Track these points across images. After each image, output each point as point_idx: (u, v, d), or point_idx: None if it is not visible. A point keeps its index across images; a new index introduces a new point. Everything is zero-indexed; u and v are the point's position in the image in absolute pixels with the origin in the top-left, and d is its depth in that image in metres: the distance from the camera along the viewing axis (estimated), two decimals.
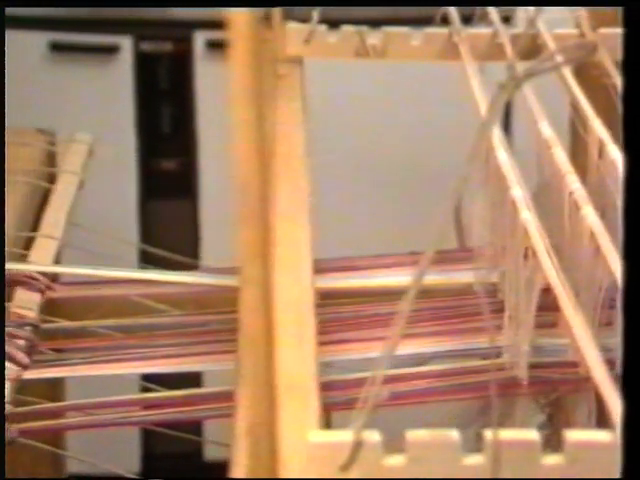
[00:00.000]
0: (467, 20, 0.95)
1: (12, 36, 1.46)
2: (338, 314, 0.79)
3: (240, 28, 0.44)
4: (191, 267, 1.05)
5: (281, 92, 0.92)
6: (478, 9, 0.94)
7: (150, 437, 1.49)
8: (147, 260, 1.13)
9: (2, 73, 0.66)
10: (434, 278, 0.61)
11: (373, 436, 0.45)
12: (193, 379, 0.94)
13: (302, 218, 0.75)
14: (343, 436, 0.45)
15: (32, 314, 0.83)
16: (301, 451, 0.50)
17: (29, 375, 0.75)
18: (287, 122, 0.85)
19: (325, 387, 0.70)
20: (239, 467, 0.50)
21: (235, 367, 0.64)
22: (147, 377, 0.86)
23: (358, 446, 0.45)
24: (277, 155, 0.79)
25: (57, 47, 1.44)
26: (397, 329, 0.44)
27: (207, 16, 1.40)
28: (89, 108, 1.47)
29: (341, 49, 0.96)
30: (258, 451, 0.45)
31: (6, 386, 0.73)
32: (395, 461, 0.45)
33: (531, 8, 0.90)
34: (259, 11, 0.45)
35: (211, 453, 1.46)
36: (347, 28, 0.97)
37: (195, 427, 1.26)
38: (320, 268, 0.86)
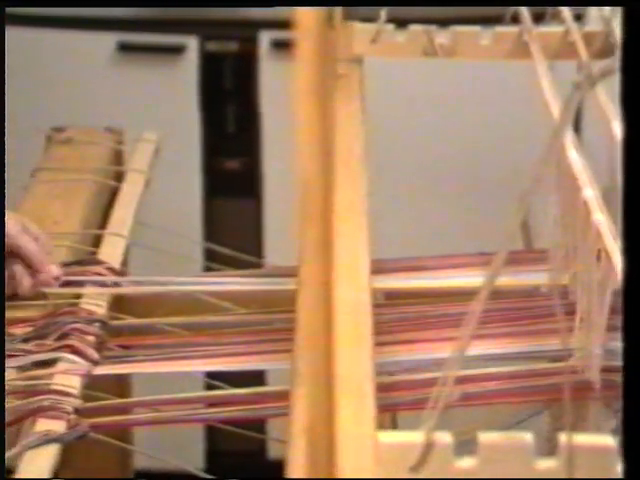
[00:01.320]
0: (538, 18, 0.94)
1: (81, 37, 1.48)
2: (405, 314, 0.79)
3: (306, 27, 0.44)
4: (255, 265, 1.05)
5: (340, 92, 0.91)
6: (550, 7, 0.92)
7: (214, 434, 1.50)
8: (212, 258, 1.14)
9: (2, 74, 0.67)
10: (504, 279, 0.60)
11: (444, 437, 0.45)
12: (256, 377, 0.94)
13: (360, 219, 0.75)
14: (413, 437, 0.45)
15: (101, 311, 0.84)
16: (359, 451, 0.49)
17: (99, 371, 0.76)
18: (346, 122, 0.85)
19: (391, 387, 0.69)
20: (297, 466, 0.50)
21: (292, 366, 0.64)
22: (211, 374, 0.86)
23: (429, 447, 0.44)
24: (336, 155, 0.79)
25: (125, 47, 1.46)
26: (468, 330, 0.44)
27: (273, 16, 1.41)
28: (155, 107, 1.48)
29: (408, 48, 0.95)
30: (316, 450, 0.45)
31: (76, 381, 0.74)
32: (466, 463, 0.45)
33: (606, 8, 0.89)
34: (325, 10, 0.45)
35: (274, 451, 1.46)
36: (415, 27, 0.96)
37: (259, 425, 1.27)
38: (387, 268, 0.86)
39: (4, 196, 0.71)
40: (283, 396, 0.71)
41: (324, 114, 0.44)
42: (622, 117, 0.47)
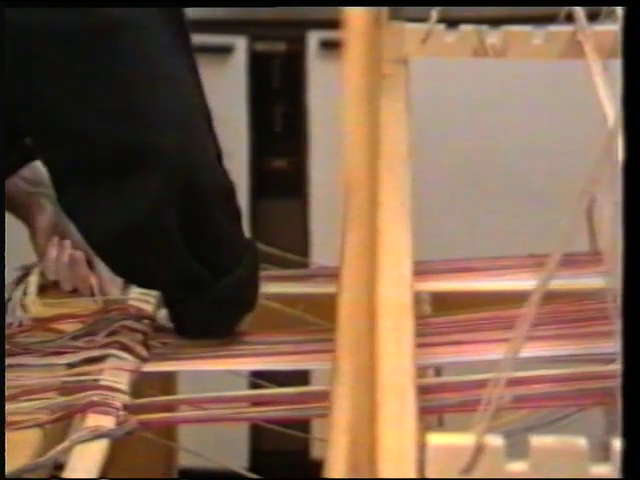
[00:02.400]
0: (592, 17, 0.93)
1: None
2: (453, 316, 0.78)
3: (356, 28, 0.44)
4: (301, 265, 1.05)
5: (385, 92, 0.91)
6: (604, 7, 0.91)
7: (258, 434, 1.50)
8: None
9: (2, 75, 0.68)
10: (558, 282, 0.59)
11: (495, 440, 0.44)
12: (301, 377, 0.94)
13: (404, 220, 0.74)
14: (464, 439, 0.45)
15: (149, 308, 0.84)
16: (400, 452, 0.49)
17: (147, 368, 0.77)
18: (391, 123, 0.85)
19: (437, 389, 0.69)
20: (337, 467, 0.50)
21: (334, 366, 0.64)
22: (256, 373, 0.87)
23: (480, 450, 0.44)
24: (381, 156, 0.78)
25: None
26: (520, 332, 0.44)
27: (321, 15, 1.41)
28: None
29: (459, 48, 0.94)
30: (357, 451, 0.45)
31: (125, 377, 0.74)
32: (518, 467, 0.44)
33: None
34: (374, 11, 0.45)
35: (318, 451, 1.46)
36: (465, 27, 0.96)
37: (303, 425, 1.27)
38: (435, 270, 0.85)
39: (4, 197, 0.72)
40: (326, 396, 0.71)
41: (372, 114, 0.44)
42: (622, 117, 0.46)
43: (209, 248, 0.75)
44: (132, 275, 0.78)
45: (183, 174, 0.71)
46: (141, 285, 0.80)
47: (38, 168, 0.86)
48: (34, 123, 0.72)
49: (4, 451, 0.64)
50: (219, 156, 0.77)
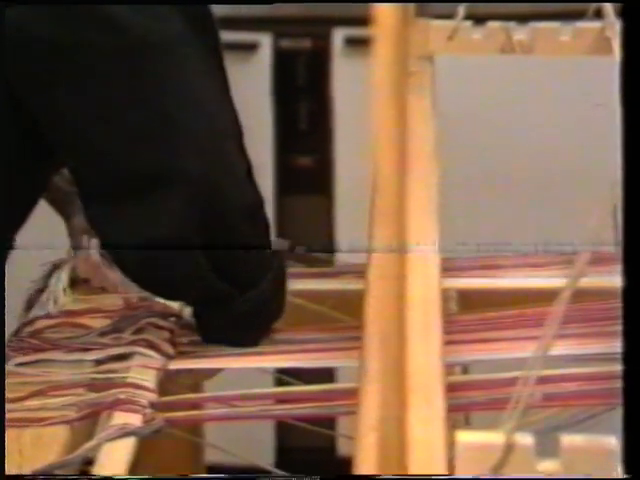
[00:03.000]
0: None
1: None
2: (480, 313, 0.78)
3: (385, 24, 0.44)
4: (326, 262, 1.05)
5: (411, 89, 0.91)
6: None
7: (284, 430, 1.51)
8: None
9: (2, 75, 0.69)
10: (586, 280, 0.59)
11: (525, 438, 0.44)
12: (327, 374, 0.94)
13: (430, 217, 0.74)
14: (493, 437, 0.45)
15: (176, 305, 0.84)
16: (428, 449, 0.49)
17: (173, 366, 0.77)
18: (416, 120, 0.85)
19: (464, 386, 0.69)
20: (366, 463, 0.50)
21: (361, 364, 0.64)
22: (282, 370, 0.87)
23: (510, 448, 0.44)
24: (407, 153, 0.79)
25: None
26: (550, 329, 0.43)
27: (346, 13, 1.41)
28: None
29: (486, 45, 0.94)
30: (386, 448, 0.45)
31: (152, 375, 0.74)
32: (548, 466, 0.44)
33: None
34: (403, 7, 0.45)
35: (344, 448, 1.46)
36: (493, 24, 0.95)
37: (329, 422, 1.27)
38: (461, 267, 0.85)
39: (4, 197, 0.73)
40: (353, 394, 0.71)
41: (400, 112, 0.44)
42: (623, 117, 0.46)
43: (234, 264, 0.76)
44: (155, 290, 0.79)
45: (205, 197, 0.72)
46: (165, 299, 0.81)
47: None
48: (61, 139, 0.73)
49: (4, 450, 0.64)
50: (249, 171, 0.77)
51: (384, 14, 0.44)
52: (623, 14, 0.48)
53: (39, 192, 0.80)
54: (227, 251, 0.75)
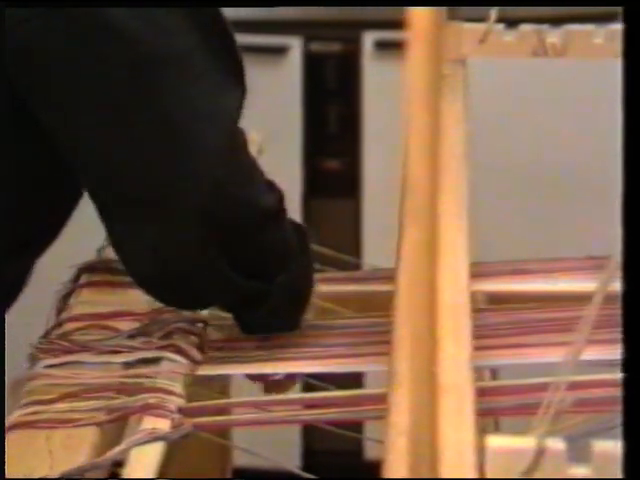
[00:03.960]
0: None
1: None
2: (510, 318, 0.78)
3: (419, 27, 0.44)
4: (353, 265, 1.05)
5: (443, 92, 0.91)
6: None
7: (311, 434, 1.51)
8: None
9: (2, 76, 0.69)
10: (617, 284, 0.59)
11: (557, 443, 0.44)
12: (354, 378, 0.94)
13: (461, 220, 0.74)
14: (524, 442, 0.44)
15: (204, 310, 0.84)
16: (459, 454, 0.49)
17: (201, 371, 0.77)
18: (449, 123, 0.85)
19: (494, 391, 0.68)
20: (396, 468, 0.49)
21: (390, 368, 0.64)
22: (309, 374, 0.87)
23: (541, 453, 0.44)
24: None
25: None
26: (581, 335, 0.43)
27: (376, 16, 1.40)
28: (258, 107, 1.49)
29: (518, 48, 0.94)
30: (417, 453, 0.45)
31: (179, 380, 0.75)
32: (579, 471, 0.44)
33: None
34: (437, 11, 0.45)
35: (372, 452, 1.46)
36: (525, 27, 0.95)
37: (356, 425, 1.27)
38: (491, 271, 0.84)
39: (4, 198, 0.73)
40: (382, 399, 0.71)
41: (433, 116, 0.44)
42: (623, 117, 0.45)
43: (258, 264, 0.76)
44: (180, 304, 0.79)
45: (221, 211, 0.72)
46: (193, 309, 0.81)
47: None
48: (76, 155, 0.73)
49: (4, 447, 0.65)
50: (261, 176, 0.77)
51: (418, 17, 0.44)
52: (624, 21, 0.48)
53: (73, 204, 0.80)
54: (250, 257, 0.75)
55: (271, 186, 0.78)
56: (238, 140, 0.74)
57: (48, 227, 0.80)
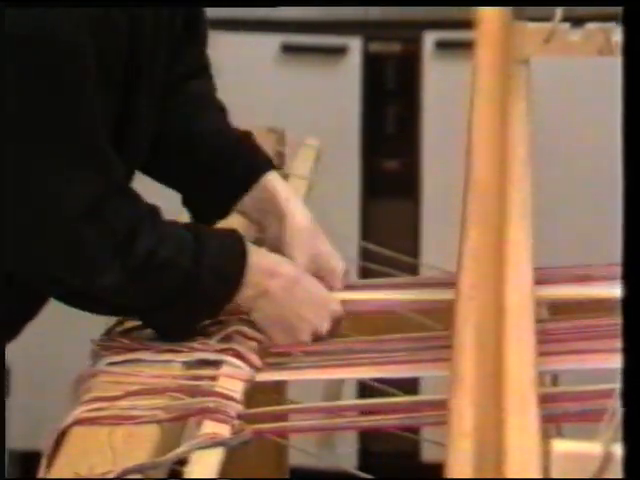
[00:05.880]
0: None
1: (246, 38, 1.51)
2: (573, 323, 0.77)
3: (489, 28, 0.44)
4: (411, 266, 1.04)
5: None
6: None
7: (367, 435, 1.50)
8: (367, 258, 1.14)
9: (2, 75, 0.69)
10: None
11: (622, 450, 0.43)
12: (409, 383, 0.94)
13: (524, 223, 0.73)
14: (590, 448, 0.44)
15: None
16: (525, 458, 0.48)
17: (261, 377, 0.77)
18: (512, 124, 0.84)
19: (557, 397, 0.68)
20: (460, 470, 0.49)
21: (453, 372, 0.63)
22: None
23: (608, 458, 0.43)
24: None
25: (288, 49, 1.48)
26: None
27: (437, 16, 1.40)
28: (317, 107, 1.50)
29: (583, 48, 0.92)
30: (483, 457, 0.45)
31: (239, 386, 0.74)
32: None
33: None
34: (507, 11, 0.44)
35: (428, 454, 1.45)
36: (591, 25, 0.93)
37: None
38: (554, 277, 0.83)
39: (4, 197, 0.74)
40: (441, 405, 0.70)
41: (501, 119, 0.43)
42: (624, 117, 0.44)
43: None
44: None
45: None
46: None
47: (266, 190, 0.89)
48: None
49: (4, 447, 0.65)
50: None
51: (487, 18, 0.44)
52: (624, 21, 0.47)
53: None
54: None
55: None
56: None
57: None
